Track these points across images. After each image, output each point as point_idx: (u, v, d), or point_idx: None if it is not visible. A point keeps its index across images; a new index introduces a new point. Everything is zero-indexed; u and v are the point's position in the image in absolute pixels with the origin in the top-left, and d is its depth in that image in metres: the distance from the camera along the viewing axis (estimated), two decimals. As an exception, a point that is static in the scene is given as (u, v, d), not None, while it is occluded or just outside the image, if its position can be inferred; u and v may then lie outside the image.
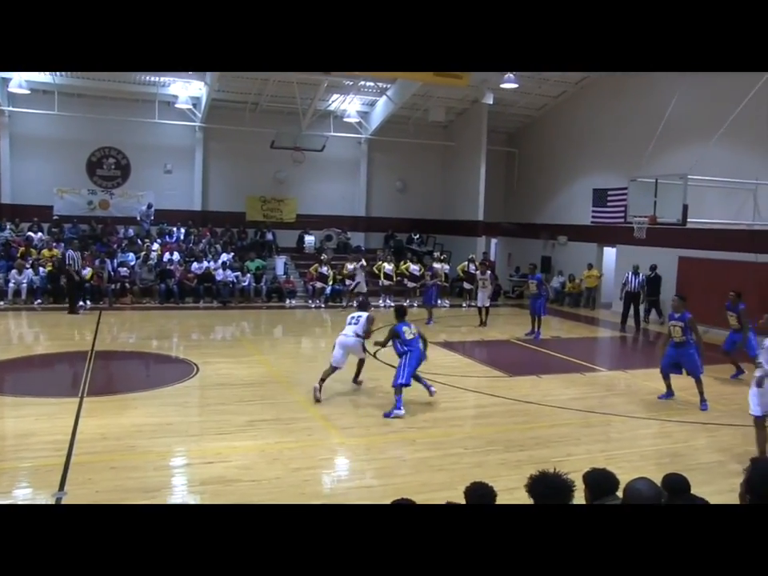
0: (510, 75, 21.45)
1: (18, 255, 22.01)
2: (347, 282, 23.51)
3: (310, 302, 23.55)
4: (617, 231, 22.17)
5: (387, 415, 10.47)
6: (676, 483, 4.70)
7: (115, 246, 23.84)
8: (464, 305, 24.15)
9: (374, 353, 13.29)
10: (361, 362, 12.42)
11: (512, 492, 4.35)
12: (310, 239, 27.39)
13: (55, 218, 24.72)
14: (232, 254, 24.67)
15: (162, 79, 24.21)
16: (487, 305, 19.82)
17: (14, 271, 20.95)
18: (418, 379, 11.33)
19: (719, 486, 7.55)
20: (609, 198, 23.37)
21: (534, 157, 28.45)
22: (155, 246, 24.15)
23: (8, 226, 23.77)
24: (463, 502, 4.61)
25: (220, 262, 23.61)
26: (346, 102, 26.52)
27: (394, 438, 9.62)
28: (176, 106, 24.98)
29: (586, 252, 25.12)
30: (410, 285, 24.19)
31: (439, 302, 22.71)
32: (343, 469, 8.80)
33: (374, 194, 29.38)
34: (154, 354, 15.19)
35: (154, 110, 24.51)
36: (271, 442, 9.21)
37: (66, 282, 20.18)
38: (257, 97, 25.76)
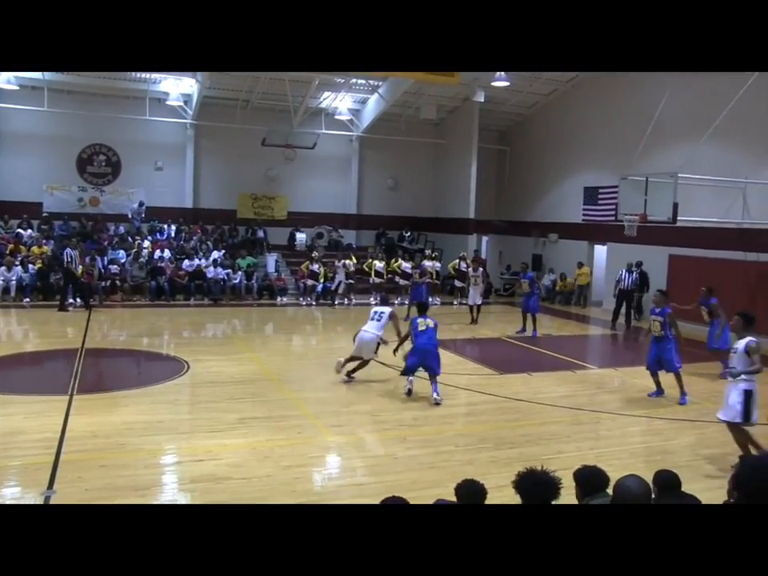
0: (501, 73, 21.46)
1: (8, 252, 21.87)
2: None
3: (301, 299, 23.51)
4: (607, 229, 22.22)
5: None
6: (667, 480, 4.74)
7: (106, 243, 23.75)
8: (455, 302, 24.17)
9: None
10: (365, 362, 12.48)
11: (502, 489, 4.36)
12: (301, 237, 27.35)
13: (45, 215, 24.60)
14: (223, 251, 24.62)
15: (152, 76, 24.08)
16: (479, 302, 19.83)
17: (2, 268, 20.83)
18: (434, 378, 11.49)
19: (708, 483, 7.58)
20: (599, 196, 23.44)
21: (525, 154, 28.48)
22: (146, 244, 24.07)
23: (-3, 223, 23.67)
24: (454, 499, 4.63)
25: (211, 259, 23.54)
26: (337, 99, 26.48)
27: (384, 436, 9.63)
28: (167, 102, 24.90)
29: (577, 250, 25.17)
30: (402, 282, 24.17)
31: (431, 299, 22.71)
32: (334, 466, 8.81)
33: (366, 191, 29.35)
34: (145, 352, 15.17)
35: (145, 107, 24.38)
36: (262, 439, 9.20)
37: (63, 280, 20.10)
38: (248, 94, 25.70)
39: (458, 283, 24.10)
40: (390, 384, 12.40)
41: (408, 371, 11.55)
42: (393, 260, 25.14)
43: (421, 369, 11.55)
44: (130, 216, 25.44)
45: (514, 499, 4.22)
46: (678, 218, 15.90)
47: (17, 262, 21.15)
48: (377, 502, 4.28)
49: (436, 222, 29.24)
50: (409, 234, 29.07)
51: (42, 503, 6.90)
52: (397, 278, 24.46)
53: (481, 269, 20.55)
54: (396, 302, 22.48)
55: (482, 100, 25.25)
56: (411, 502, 4.15)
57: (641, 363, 12.81)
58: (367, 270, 24.59)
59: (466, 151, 27.14)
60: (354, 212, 29.16)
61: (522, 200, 28.49)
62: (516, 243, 28.61)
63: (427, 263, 23.83)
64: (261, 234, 26.77)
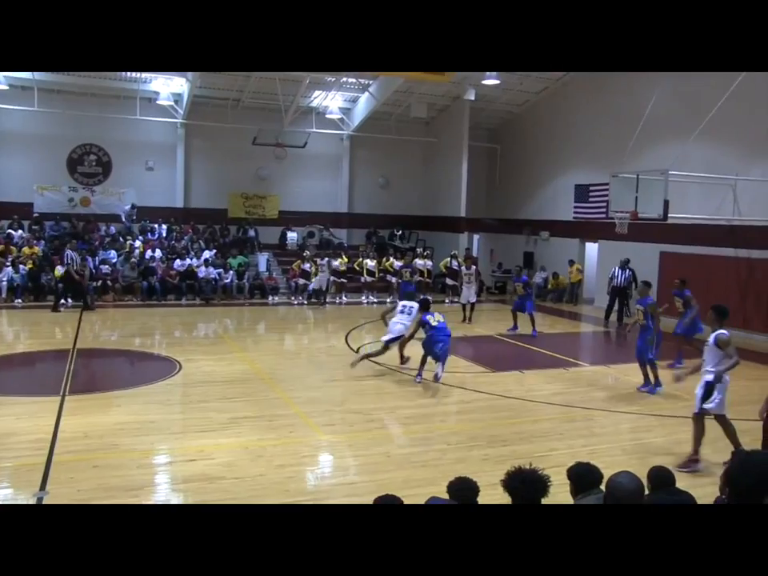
0: (491, 72, 21.48)
1: (-2, 253, 21.83)
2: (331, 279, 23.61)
3: (293, 298, 23.47)
4: (599, 227, 22.28)
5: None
6: (661, 477, 4.79)
7: (97, 243, 23.68)
8: (447, 301, 24.17)
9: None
10: (384, 350, 12.98)
11: (495, 487, 4.37)
12: (292, 236, 27.33)
13: (36, 215, 24.52)
14: (214, 250, 24.58)
15: (143, 76, 24.01)
16: (473, 301, 19.81)
17: (-7, 269, 20.79)
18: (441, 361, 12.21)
19: (701, 479, 7.61)
20: (591, 194, 23.48)
21: (516, 153, 28.51)
22: (137, 244, 24.01)
23: (-13, 224, 23.58)
24: (446, 497, 4.64)
25: (202, 259, 23.49)
26: (328, 98, 26.46)
27: (376, 435, 9.63)
28: (157, 102, 24.84)
29: (568, 248, 25.22)
30: (395, 281, 24.15)
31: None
32: (326, 465, 8.81)
33: (357, 190, 29.35)
34: (137, 352, 15.14)
35: (136, 107, 24.31)
36: (254, 439, 9.20)
37: (64, 281, 20.06)
38: (239, 93, 25.67)
39: (449, 281, 24.11)
40: (381, 382, 12.41)
41: (436, 357, 12.22)
42: (384, 259, 25.13)
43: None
44: (123, 219, 25.38)
45: (507, 497, 4.24)
46: (669, 215, 15.97)
47: (8, 263, 21.07)
48: (370, 500, 4.29)
49: (427, 220, 29.25)
50: (400, 232, 29.07)
51: (34, 504, 6.88)
52: (389, 277, 24.44)
53: (473, 267, 20.56)
54: (388, 300, 22.54)
55: (473, 98, 25.30)
56: (404, 501, 4.15)
57: (633, 360, 12.86)
58: (358, 268, 24.57)
59: (457, 149, 27.16)
60: (344, 211, 29.15)
61: (513, 198, 28.52)
62: (507, 241, 28.64)
63: (419, 262, 23.83)
64: (252, 233, 26.73)
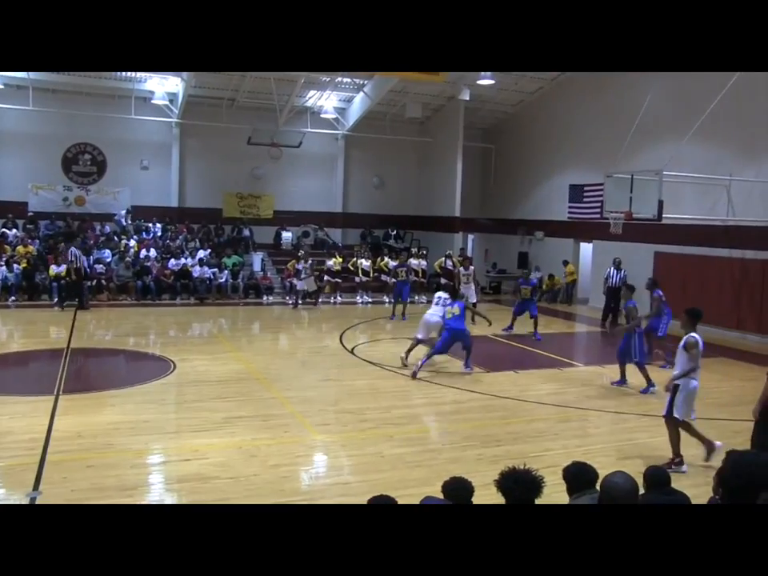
0: (486, 72, 21.48)
1: (-8, 252, 21.77)
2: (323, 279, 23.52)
3: (288, 298, 23.43)
4: (593, 227, 22.29)
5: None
6: (656, 477, 4.82)
7: (91, 242, 23.62)
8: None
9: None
10: (419, 343, 13.69)
11: (489, 487, 4.37)
12: (287, 235, 27.29)
13: (30, 214, 24.46)
14: (209, 250, 24.54)
15: (138, 75, 23.98)
16: (473, 300, 19.51)
17: (-13, 268, 20.74)
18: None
19: (695, 479, 7.64)
20: (585, 194, 23.48)
21: (511, 153, 28.51)
22: (132, 243, 23.96)
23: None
24: (441, 497, 4.65)
25: (197, 258, 23.46)
26: (322, 98, 26.46)
27: (371, 435, 9.62)
28: (152, 101, 24.83)
29: (563, 248, 25.25)
30: (390, 281, 24.07)
31: (416, 297, 22.74)
32: (321, 465, 8.80)
33: (351, 190, 29.34)
34: (131, 352, 15.11)
35: (131, 106, 24.28)
36: (248, 438, 9.18)
37: (73, 280, 20.06)
38: (234, 93, 25.65)
39: (443, 281, 24.06)
40: (376, 382, 12.41)
41: (439, 351, 13.04)
42: (379, 258, 25.11)
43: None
44: (122, 223, 25.33)
45: (501, 497, 4.24)
46: (664, 215, 15.99)
47: (1, 262, 21.02)
48: (364, 500, 4.29)
49: (422, 220, 29.26)
50: (395, 232, 29.06)
51: (26, 504, 6.86)
52: (384, 277, 24.40)
53: (471, 267, 20.41)
54: (386, 299, 22.52)
55: (467, 98, 25.30)
56: (398, 501, 4.15)
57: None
58: (352, 268, 24.54)
59: (452, 149, 27.18)
60: (339, 210, 29.13)
61: (507, 198, 28.53)
62: (502, 241, 28.65)
63: (413, 261, 23.80)
64: (246, 232, 26.72)
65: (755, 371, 13.89)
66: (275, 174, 27.71)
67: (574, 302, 24.76)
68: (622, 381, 12.69)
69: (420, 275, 24.05)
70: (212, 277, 23.09)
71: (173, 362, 13.43)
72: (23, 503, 6.90)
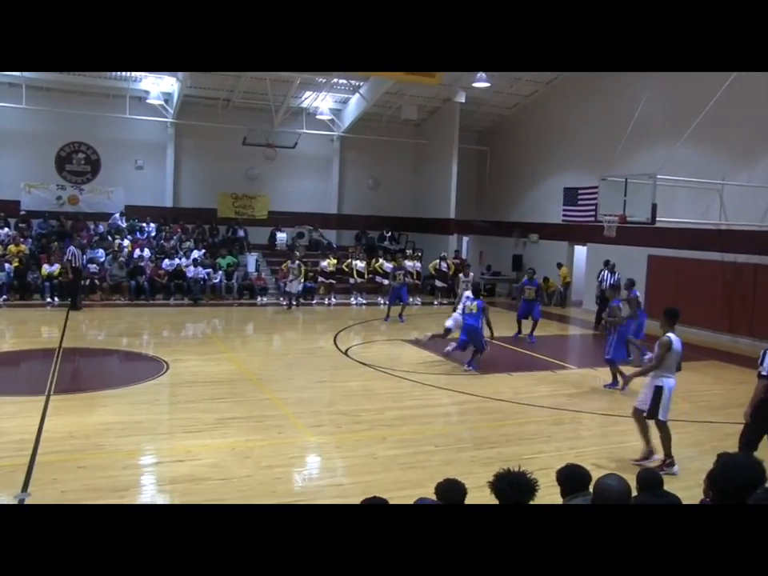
0: (481, 74, 21.52)
1: (-16, 251, 21.69)
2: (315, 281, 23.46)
3: (282, 299, 23.40)
4: (587, 230, 22.33)
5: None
6: (648, 479, 4.84)
7: (85, 242, 23.53)
8: (435, 302, 24.18)
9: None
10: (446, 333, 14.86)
11: (483, 489, 4.36)
12: (281, 236, 27.24)
13: (23, 212, 24.38)
14: (203, 250, 24.49)
15: (133, 74, 23.91)
16: None
17: (-21, 267, 20.64)
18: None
19: (687, 481, 7.64)
20: (579, 197, 23.51)
21: (506, 155, 28.55)
22: (126, 243, 23.89)
23: (-27, 222, 23.41)
24: (434, 498, 4.64)
25: (191, 258, 23.40)
26: (318, 99, 26.43)
27: (364, 436, 9.61)
28: (147, 101, 24.75)
29: (557, 250, 25.28)
30: (385, 282, 24.03)
31: (410, 299, 22.71)
32: (314, 467, 8.80)
33: (346, 191, 29.32)
34: (124, 352, 15.07)
35: (125, 105, 24.17)
36: (241, 439, 9.16)
37: (69, 279, 20.00)
38: (229, 93, 25.62)
39: (438, 283, 24.08)
40: (370, 384, 12.41)
41: (461, 347, 13.81)
42: (373, 260, 25.09)
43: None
44: (118, 225, 25.28)
45: (494, 499, 4.24)
46: (657, 218, 16.03)
47: (-7, 261, 20.95)
48: (357, 502, 4.28)
49: (417, 222, 29.25)
50: (389, 233, 29.05)
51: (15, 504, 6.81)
52: (378, 278, 24.38)
53: (471, 275, 20.09)
54: (381, 301, 22.50)
55: (463, 101, 25.28)
56: (391, 502, 4.15)
57: (621, 364, 12.92)
58: (347, 270, 24.51)
59: (447, 151, 27.19)
60: (334, 212, 29.10)
61: (502, 200, 28.56)
62: (496, 243, 28.65)
63: (408, 263, 23.77)
64: (241, 233, 26.65)
65: (746, 374, 13.89)
66: (270, 175, 27.68)
67: (567, 305, 24.79)
68: (614, 383, 12.70)
69: (415, 277, 24.03)
70: (206, 277, 23.05)
71: (166, 362, 13.39)
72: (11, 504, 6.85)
